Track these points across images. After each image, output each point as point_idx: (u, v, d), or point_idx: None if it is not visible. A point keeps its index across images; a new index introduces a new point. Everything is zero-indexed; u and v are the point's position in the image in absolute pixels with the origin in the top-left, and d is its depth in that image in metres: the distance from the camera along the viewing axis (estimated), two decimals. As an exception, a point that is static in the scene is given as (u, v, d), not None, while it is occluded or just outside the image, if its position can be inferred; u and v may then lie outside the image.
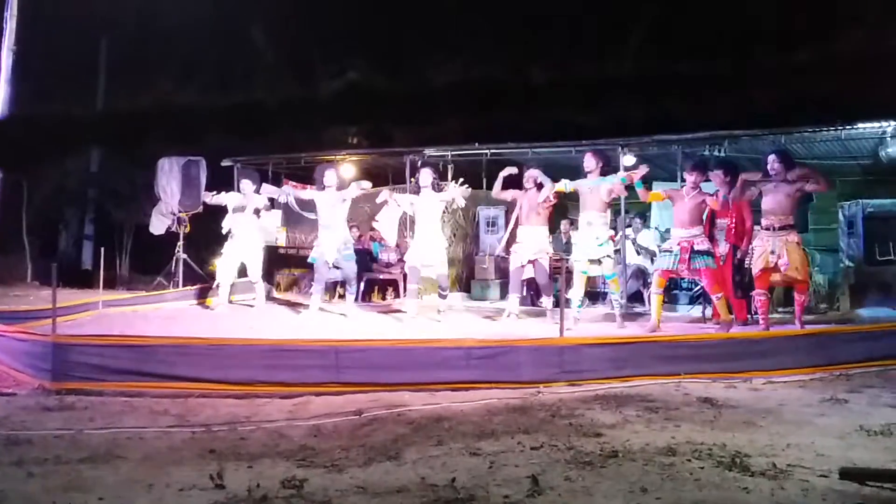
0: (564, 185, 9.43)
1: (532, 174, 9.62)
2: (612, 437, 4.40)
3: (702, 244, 8.53)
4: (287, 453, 4.13)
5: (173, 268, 13.11)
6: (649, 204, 11.43)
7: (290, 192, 10.80)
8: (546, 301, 9.88)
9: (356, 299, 10.54)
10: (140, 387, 5.79)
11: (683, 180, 9.28)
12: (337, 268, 10.27)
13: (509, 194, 9.88)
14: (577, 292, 9.38)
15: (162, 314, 10.25)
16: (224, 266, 10.69)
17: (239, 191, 11.05)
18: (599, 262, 9.18)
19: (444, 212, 10.86)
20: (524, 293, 11.19)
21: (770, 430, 4.62)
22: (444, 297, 10.06)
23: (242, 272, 10.86)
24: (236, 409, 5.34)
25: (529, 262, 9.60)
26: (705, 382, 6.19)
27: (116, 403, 5.46)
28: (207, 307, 11.06)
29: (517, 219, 9.82)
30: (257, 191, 10.93)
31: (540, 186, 9.56)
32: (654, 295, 8.93)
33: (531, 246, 9.57)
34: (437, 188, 10.05)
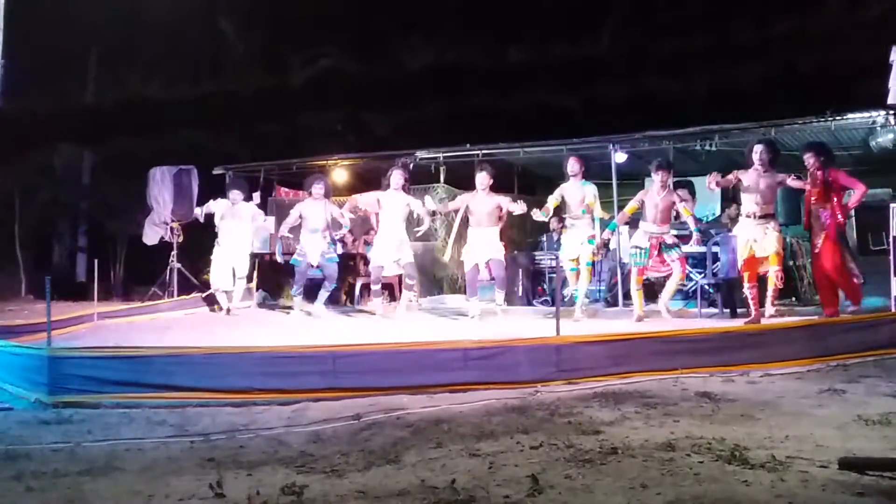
0: (552, 201, 9.69)
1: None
2: (611, 435, 4.40)
3: (671, 238, 9.08)
4: (286, 460, 4.12)
5: (167, 277, 13.08)
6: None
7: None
8: (499, 297, 9.87)
9: (335, 301, 10.75)
10: (137, 398, 5.76)
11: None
12: (318, 268, 10.57)
13: (456, 204, 10.12)
14: (571, 288, 9.76)
15: (157, 324, 10.22)
16: (218, 273, 10.94)
17: (228, 199, 11.23)
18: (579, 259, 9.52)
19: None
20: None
21: (769, 423, 4.62)
22: (411, 286, 10.23)
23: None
24: (234, 417, 5.33)
25: (486, 264, 9.72)
26: (703, 377, 6.20)
27: (114, 415, 5.44)
28: (215, 312, 11.28)
29: (466, 221, 9.95)
30: (247, 199, 11.38)
31: (494, 189, 9.90)
32: (635, 291, 9.29)
33: (482, 248, 9.68)
34: (408, 191, 10.24)
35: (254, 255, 12.09)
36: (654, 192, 9.15)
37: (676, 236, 9.27)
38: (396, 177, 9.98)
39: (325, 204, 10.60)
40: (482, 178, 9.75)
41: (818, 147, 8.63)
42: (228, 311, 10.95)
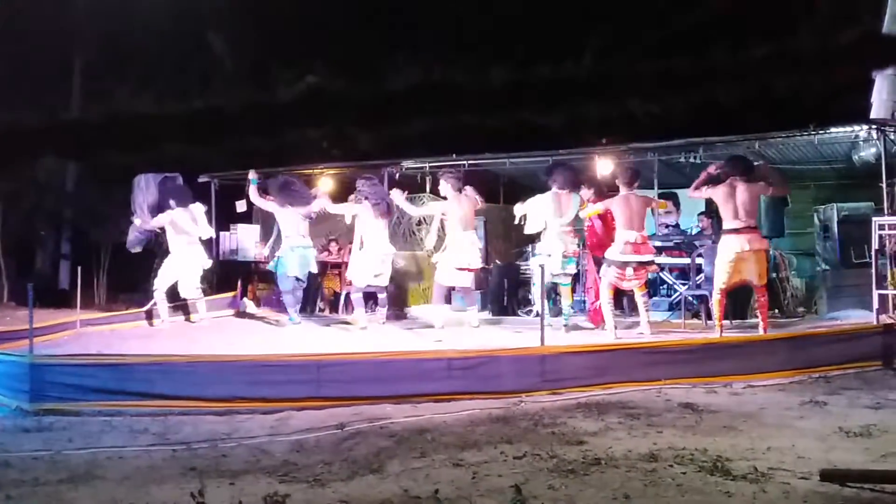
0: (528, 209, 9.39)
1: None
2: (595, 445, 4.41)
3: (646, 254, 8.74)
4: (269, 469, 4.11)
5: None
6: None
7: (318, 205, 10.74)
8: (472, 315, 9.66)
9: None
10: (119, 406, 5.74)
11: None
12: (299, 280, 10.27)
13: (439, 206, 9.90)
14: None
15: (140, 332, 10.16)
16: (161, 275, 10.56)
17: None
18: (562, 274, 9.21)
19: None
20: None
21: (751, 434, 4.65)
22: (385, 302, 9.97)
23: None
24: (217, 425, 5.30)
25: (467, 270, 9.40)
26: (686, 388, 6.22)
27: (95, 423, 5.41)
28: (191, 322, 10.91)
29: (447, 224, 9.62)
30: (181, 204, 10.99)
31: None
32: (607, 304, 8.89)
33: (469, 253, 9.39)
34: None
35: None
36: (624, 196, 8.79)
37: (658, 248, 9.09)
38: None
39: (300, 211, 10.30)
40: (445, 188, 9.67)
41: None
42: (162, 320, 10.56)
